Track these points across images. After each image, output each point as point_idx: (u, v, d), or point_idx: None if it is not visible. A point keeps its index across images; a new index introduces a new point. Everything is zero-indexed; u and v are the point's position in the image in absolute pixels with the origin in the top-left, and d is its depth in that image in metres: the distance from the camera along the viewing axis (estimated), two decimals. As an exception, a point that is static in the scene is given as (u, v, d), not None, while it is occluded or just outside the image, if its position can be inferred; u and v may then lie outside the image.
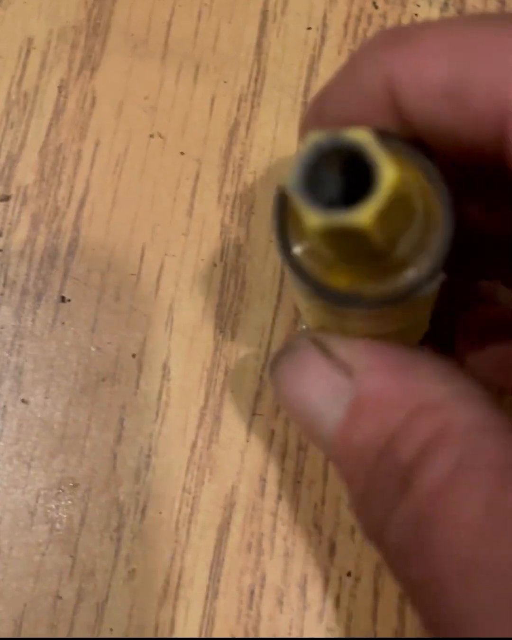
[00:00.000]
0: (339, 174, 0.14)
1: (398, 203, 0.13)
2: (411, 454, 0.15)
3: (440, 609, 0.14)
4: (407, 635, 0.22)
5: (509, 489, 0.14)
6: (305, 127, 0.18)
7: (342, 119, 0.16)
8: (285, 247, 0.15)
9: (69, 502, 0.24)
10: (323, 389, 0.17)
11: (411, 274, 0.15)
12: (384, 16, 0.30)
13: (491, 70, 0.13)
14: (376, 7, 0.30)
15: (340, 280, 0.15)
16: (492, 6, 0.29)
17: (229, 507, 0.24)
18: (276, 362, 0.18)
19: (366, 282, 0.15)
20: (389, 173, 0.13)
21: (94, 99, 0.29)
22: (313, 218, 0.13)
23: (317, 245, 0.15)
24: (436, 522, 0.14)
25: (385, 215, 0.13)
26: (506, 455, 0.15)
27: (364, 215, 0.13)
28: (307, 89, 0.29)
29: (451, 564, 0.14)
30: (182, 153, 0.28)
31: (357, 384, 0.16)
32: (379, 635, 0.22)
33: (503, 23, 0.14)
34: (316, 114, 0.17)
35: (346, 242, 0.14)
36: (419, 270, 0.15)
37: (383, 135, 0.14)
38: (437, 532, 0.14)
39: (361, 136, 0.13)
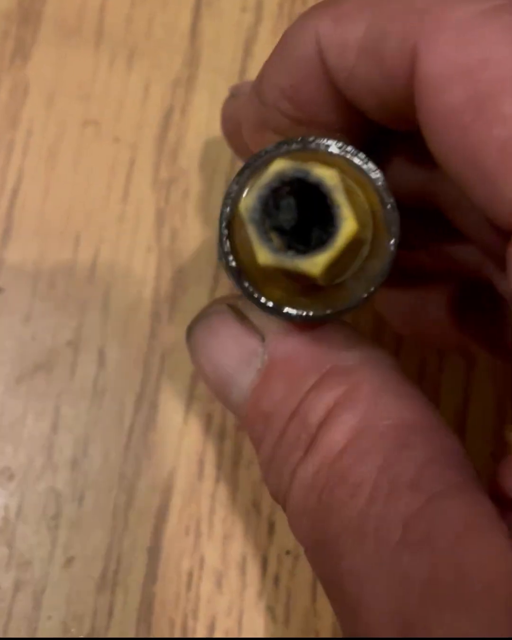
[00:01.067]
0: (293, 194, 0.14)
1: (350, 249, 0.14)
2: (319, 415, 0.15)
3: (333, 567, 0.14)
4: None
5: (403, 451, 0.14)
6: (247, 105, 0.18)
7: (279, 91, 0.16)
8: (226, 255, 0.15)
9: (5, 492, 0.24)
10: (236, 353, 0.17)
11: (343, 300, 0.15)
12: (318, -4, 0.30)
13: (400, 23, 0.14)
14: (310, -13, 0.30)
15: (274, 293, 0.15)
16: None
17: (167, 491, 0.24)
18: (191, 327, 0.18)
19: (299, 299, 0.15)
20: (347, 225, 0.13)
21: (26, 88, 0.28)
22: (265, 256, 0.13)
23: (262, 272, 0.15)
24: (334, 481, 0.14)
25: (336, 261, 0.13)
26: (405, 418, 0.15)
27: (316, 265, 0.13)
28: (242, 71, 0.29)
29: (344, 523, 0.14)
30: (116, 140, 0.28)
31: (269, 348, 0.16)
32: (318, 612, 0.22)
33: None
34: (255, 90, 0.17)
35: (291, 274, 0.14)
36: (353, 294, 0.15)
37: (347, 148, 0.14)
38: (334, 492, 0.14)
39: (329, 178, 0.13)
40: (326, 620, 0.22)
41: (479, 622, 0.12)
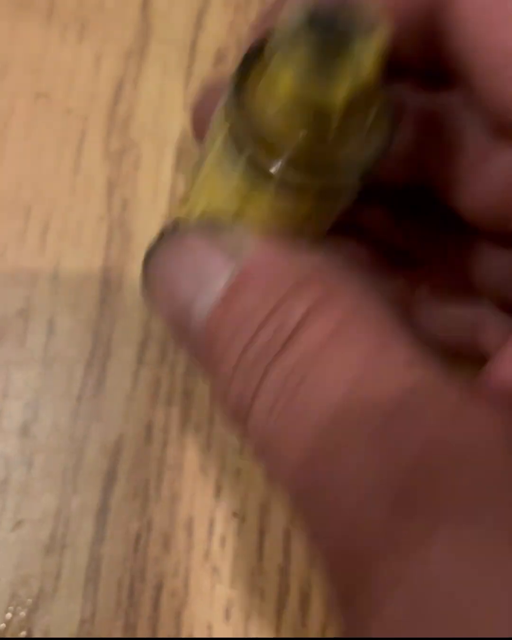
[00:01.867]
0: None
1: (363, 96, 0.14)
2: (296, 318, 0.14)
3: (310, 456, 0.13)
4: (292, 569, 0.23)
5: (392, 337, 0.14)
6: (256, 28, 0.18)
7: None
8: (239, 95, 0.15)
9: (-46, 458, 0.24)
10: (200, 270, 0.15)
11: (338, 174, 0.15)
12: (270, -32, 0.30)
13: None
14: (262, -41, 0.30)
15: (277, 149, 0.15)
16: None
17: (116, 454, 0.24)
18: (150, 252, 0.17)
19: (301, 156, 0.15)
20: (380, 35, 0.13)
21: (-23, 62, 0.28)
22: (290, 79, 0.14)
23: (278, 111, 0.15)
24: (318, 370, 0.14)
25: (353, 101, 0.14)
26: (388, 312, 0.15)
27: (340, 88, 0.14)
28: (193, 43, 0.29)
29: (326, 409, 0.13)
30: (67, 112, 0.28)
31: (243, 259, 0.15)
32: (264, 571, 0.23)
33: None
34: (263, 19, 0.18)
35: (307, 115, 0.14)
36: (348, 168, 0.15)
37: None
38: (317, 379, 0.14)
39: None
40: (272, 580, 0.23)
41: (479, 479, 0.12)
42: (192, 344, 0.16)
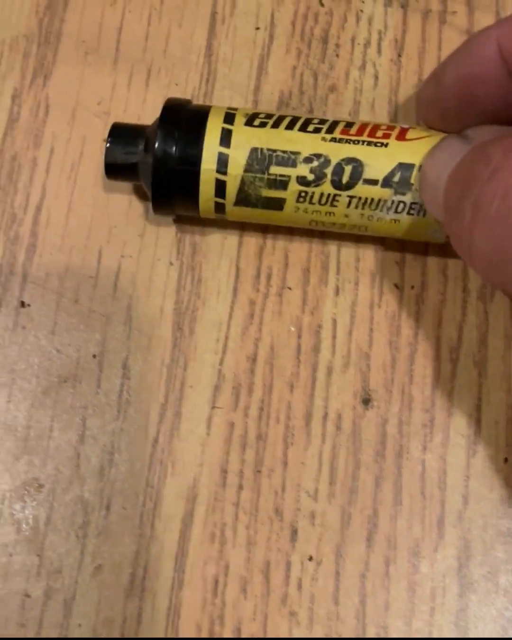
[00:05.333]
0: None
1: None
2: (498, 156, 0.19)
3: None
4: (368, 613, 0.23)
5: None
6: (424, 88, 0.24)
7: (458, 78, 0.22)
8: None
9: (34, 502, 0.24)
10: (446, 154, 0.22)
11: None
12: (329, 13, 0.30)
13: None
14: (322, 5, 0.30)
15: None
16: (434, 2, 0.30)
17: (192, 499, 0.24)
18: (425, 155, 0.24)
19: None
20: None
21: (47, 107, 0.29)
22: None
23: None
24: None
25: None
26: None
27: None
28: (257, 88, 0.30)
29: None
30: (135, 156, 0.28)
31: (472, 142, 0.21)
32: (341, 616, 0.23)
33: None
34: (435, 76, 0.23)
35: None
36: None
37: None
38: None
39: None
40: (349, 625, 0.23)
41: None
42: (443, 207, 0.22)
